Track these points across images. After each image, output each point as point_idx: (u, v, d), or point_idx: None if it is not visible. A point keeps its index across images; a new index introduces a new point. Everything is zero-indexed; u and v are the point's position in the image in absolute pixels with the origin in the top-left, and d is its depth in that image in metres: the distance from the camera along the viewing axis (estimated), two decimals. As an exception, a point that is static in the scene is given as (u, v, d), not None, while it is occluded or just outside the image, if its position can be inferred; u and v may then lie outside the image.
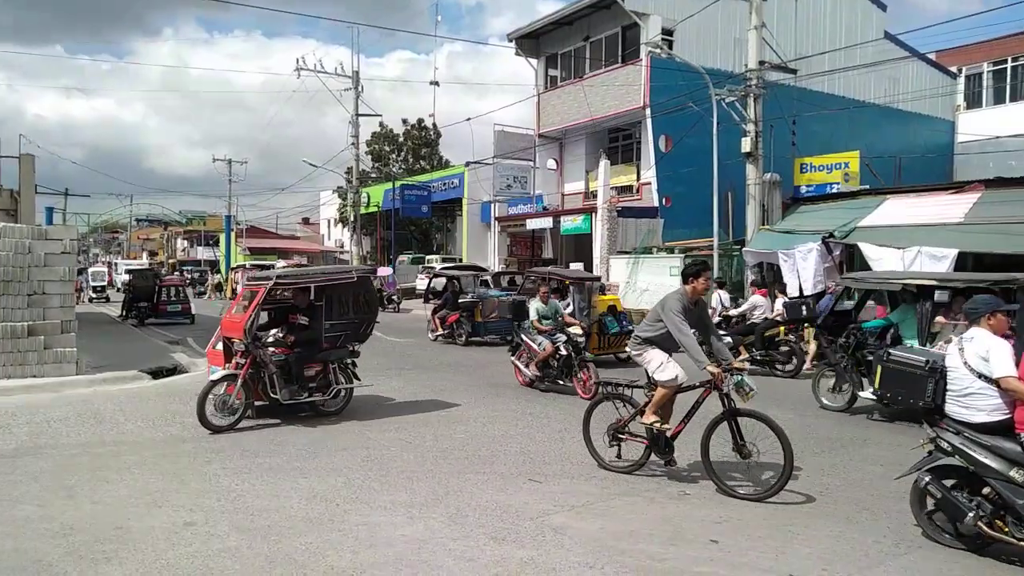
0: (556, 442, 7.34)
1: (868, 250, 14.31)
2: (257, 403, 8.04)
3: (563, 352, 10.08)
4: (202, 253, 58.35)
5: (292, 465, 6.45)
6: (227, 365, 8.26)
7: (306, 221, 62.61)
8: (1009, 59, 28.93)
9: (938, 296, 8.47)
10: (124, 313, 22.69)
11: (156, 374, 11.49)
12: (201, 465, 6.43)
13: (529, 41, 28.62)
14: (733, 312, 13.49)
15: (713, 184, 17.77)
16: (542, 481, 6.00)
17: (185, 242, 66.55)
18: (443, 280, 19.64)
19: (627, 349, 6.53)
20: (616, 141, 27.60)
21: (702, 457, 5.78)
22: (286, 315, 8.78)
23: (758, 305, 12.95)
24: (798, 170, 20.69)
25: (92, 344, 13.51)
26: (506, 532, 4.84)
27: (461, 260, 30.44)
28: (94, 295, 34.10)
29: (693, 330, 5.94)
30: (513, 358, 10.96)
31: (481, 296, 17.27)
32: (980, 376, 4.67)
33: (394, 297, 26.85)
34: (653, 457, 6.14)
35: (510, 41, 28.91)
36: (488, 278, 19.93)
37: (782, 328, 12.30)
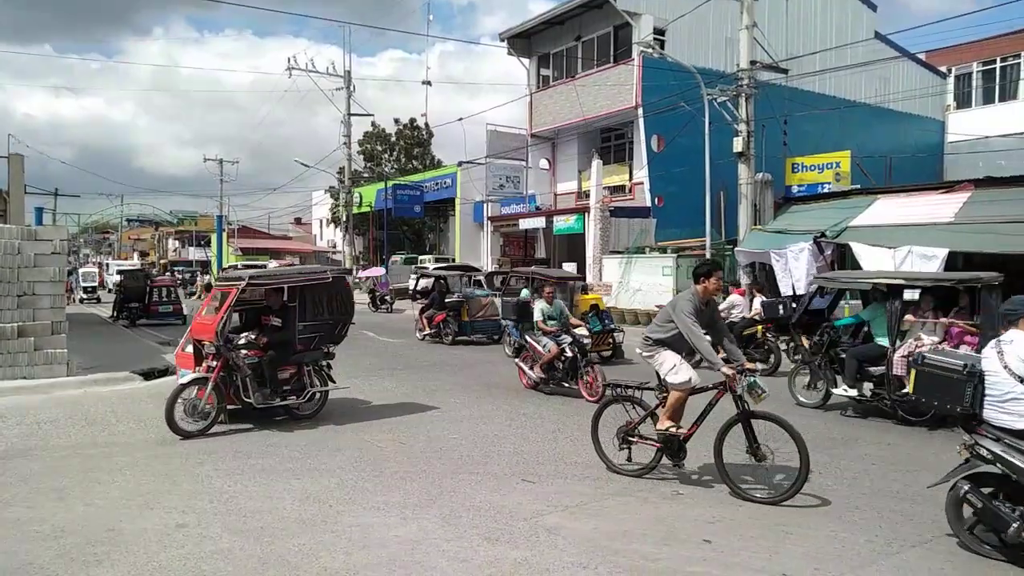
0: (550, 442, 7.35)
1: (859, 250, 14.38)
2: (229, 407, 7.86)
3: (568, 354, 9.85)
4: (193, 253, 58.10)
5: (285, 466, 6.43)
6: (197, 368, 8.04)
7: (298, 221, 62.48)
8: (998, 59, 29.14)
9: (907, 295, 8.58)
10: (115, 314, 22.57)
11: (148, 375, 11.43)
12: (193, 466, 6.40)
13: (521, 41, 28.63)
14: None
15: (705, 184, 17.83)
16: (536, 481, 6.00)
17: (176, 242, 66.27)
18: (431, 280, 19.59)
19: (637, 350, 6.41)
20: (608, 141, 27.65)
21: (715, 459, 5.66)
22: (258, 317, 8.60)
23: (736, 304, 13.12)
24: (790, 170, 20.79)
25: (83, 345, 13.43)
26: (500, 533, 4.84)
27: (454, 260, 30.42)
28: (85, 296, 33.91)
29: (705, 331, 5.86)
30: (517, 360, 10.75)
31: (467, 296, 17.39)
32: (1021, 380, 4.49)
33: (387, 297, 26.80)
34: (664, 460, 6.03)
35: (502, 41, 28.93)
36: (481, 278, 19.92)
37: (760, 327, 12.45)
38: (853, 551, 4.59)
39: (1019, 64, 28.50)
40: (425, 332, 17.03)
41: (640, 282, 19.99)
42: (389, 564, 4.34)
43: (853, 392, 8.67)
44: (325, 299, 8.96)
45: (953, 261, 13.46)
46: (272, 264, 39.31)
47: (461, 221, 32.14)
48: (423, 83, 39.50)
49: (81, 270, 40.13)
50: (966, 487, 4.57)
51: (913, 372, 5.30)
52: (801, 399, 9.41)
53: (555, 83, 27.77)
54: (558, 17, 26.54)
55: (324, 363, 8.61)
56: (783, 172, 20.59)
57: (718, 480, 5.94)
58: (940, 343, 8.31)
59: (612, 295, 20.82)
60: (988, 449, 4.54)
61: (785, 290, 14.94)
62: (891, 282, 8.70)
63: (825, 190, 19.37)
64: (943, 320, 8.55)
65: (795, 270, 15.16)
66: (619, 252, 21.69)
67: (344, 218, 37.19)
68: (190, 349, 8.44)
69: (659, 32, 23.37)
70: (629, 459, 6.18)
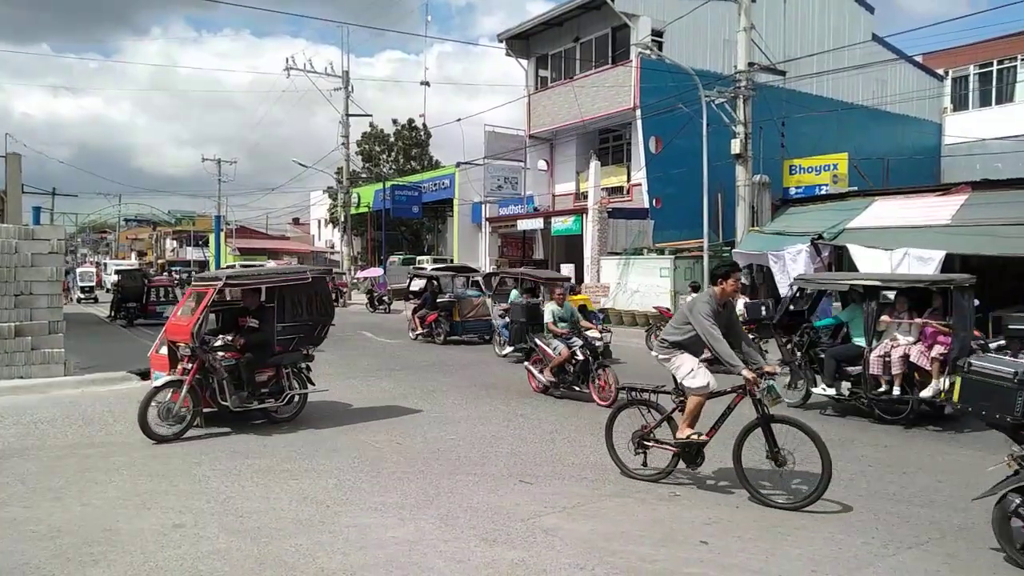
0: (547, 443, 7.35)
1: (856, 251, 14.42)
2: (205, 410, 7.68)
3: (580, 357, 9.59)
4: (191, 253, 58.02)
5: (282, 467, 6.42)
6: (172, 370, 7.82)
7: (296, 221, 62.46)
8: (995, 62, 29.21)
9: (884, 296, 8.91)
10: (113, 314, 22.54)
11: (145, 375, 11.35)
12: (190, 467, 6.40)
13: (519, 42, 28.63)
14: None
15: (703, 185, 17.85)
16: (533, 482, 6.00)
17: (174, 242, 66.18)
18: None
19: (653, 353, 6.29)
20: (606, 142, 27.66)
21: (734, 464, 5.55)
22: (235, 318, 8.41)
23: None
24: (787, 172, 20.82)
25: (80, 345, 13.41)
26: (497, 533, 4.84)
27: (452, 261, 30.40)
28: (82, 295, 33.82)
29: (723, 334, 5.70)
30: (527, 364, 10.51)
31: (459, 296, 17.59)
32: None
33: (385, 298, 26.80)
34: (680, 465, 5.91)
35: (500, 42, 28.91)
36: (479, 279, 19.94)
37: (743, 328, 12.49)
38: (850, 553, 4.59)
39: (1016, 67, 28.58)
40: (418, 332, 17.20)
41: (638, 283, 20.00)
42: (386, 565, 4.34)
43: (832, 391, 8.83)
44: (305, 300, 8.76)
45: (950, 263, 13.50)
46: (270, 264, 39.30)
47: (459, 222, 32.13)
48: (421, 84, 39.58)
49: (79, 270, 40.05)
50: (1017, 500, 4.40)
51: (958, 379, 5.06)
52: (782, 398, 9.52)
53: (553, 84, 27.78)
54: (556, 18, 26.54)
55: (303, 365, 8.45)
56: (781, 174, 20.62)
57: (715, 482, 5.96)
58: (915, 343, 8.49)
59: (610, 296, 20.83)
60: None
61: (784, 292, 14.97)
62: (867, 283, 8.89)
63: (822, 192, 19.42)
64: (917, 320, 8.72)
65: (793, 272, 15.21)
66: (617, 253, 21.70)
67: (342, 218, 37.15)
68: (165, 351, 8.19)
69: (657, 34, 23.39)
70: (644, 464, 6.06)
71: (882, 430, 8.12)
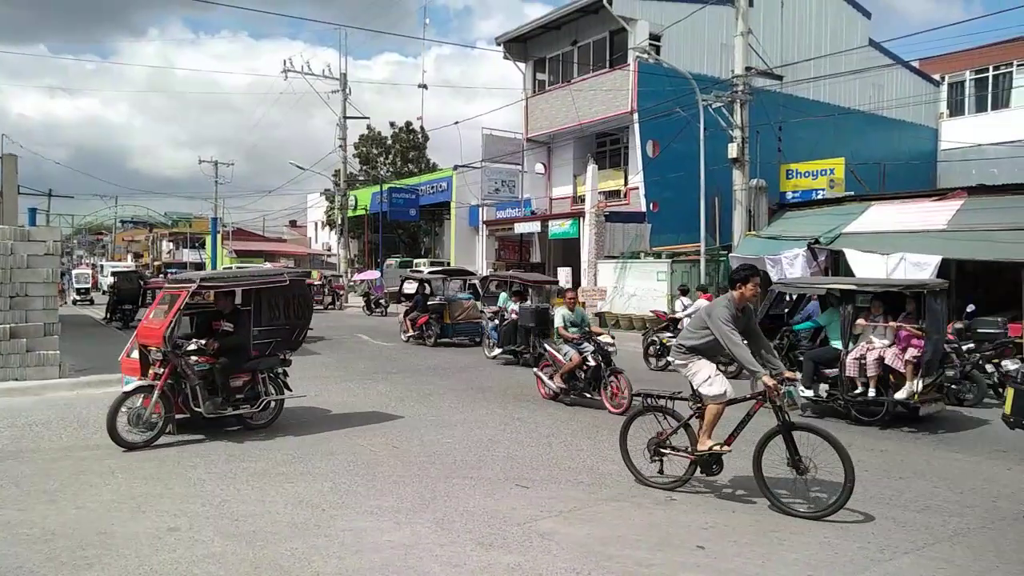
0: (544, 447, 7.34)
1: (853, 256, 14.45)
2: (178, 416, 7.44)
3: (591, 363, 9.37)
4: (188, 255, 57.94)
5: (278, 470, 6.40)
6: (144, 375, 7.55)
7: (293, 224, 62.36)
8: (991, 68, 29.32)
9: (860, 300, 9.10)
10: (108, 315, 22.47)
11: (140, 377, 11.36)
12: (186, 470, 6.38)
13: (517, 45, 28.68)
14: (680, 315, 14.01)
15: (700, 189, 17.88)
16: (529, 486, 5.99)
17: (171, 244, 66.04)
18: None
19: (669, 358, 6.16)
20: (604, 146, 27.71)
21: (755, 473, 5.46)
22: (209, 321, 8.20)
23: (700, 308, 13.26)
24: (784, 176, 20.87)
25: (75, 347, 13.37)
26: (493, 538, 4.83)
27: (449, 264, 30.41)
28: (78, 297, 33.72)
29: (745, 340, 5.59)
30: (536, 370, 10.25)
31: (449, 299, 17.78)
32: None
33: (381, 301, 26.78)
34: (698, 473, 5.80)
35: (498, 45, 28.96)
36: (476, 282, 19.96)
37: None
38: (846, 557, 4.59)
39: (1011, 73, 28.69)
40: (409, 334, 17.39)
41: (635, 287, 20.02)
42: (382, 569, 4.33)
43: (810, 393, 8.96)
44: (282, 303, 8.59)
45: (946, 268, 13.53)
46: (267, 266, 39.23)
47: (456, 225, 32.14)
48: (419, 86, 39.41)
49: (75, 271, 39.94)
50: None
51: (1011, 392, 4.93)
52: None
53: (551, 88, 27.82)
54: (554, 22, 26.59)
55: (280, 370, 8.27)
56: (777, 178, 20.68)
57: (711, 486, 5.95)
58: (889, 346, 8.70)
59: (607, 300, 20.85)
60: None
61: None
62: (844, 288, 9.10)
63: (819, 196, 19.46)
64: (892, 324, 8.93)
65: (790, 276, 15.24)
66: (614, 257, 21.72)
67: (339, 221, 37.15)
68: (136, 355, 7.97)
69: (655, 38, 23.45)
70: (661, 471, 5.95)
71: (881, 434, 8.14)
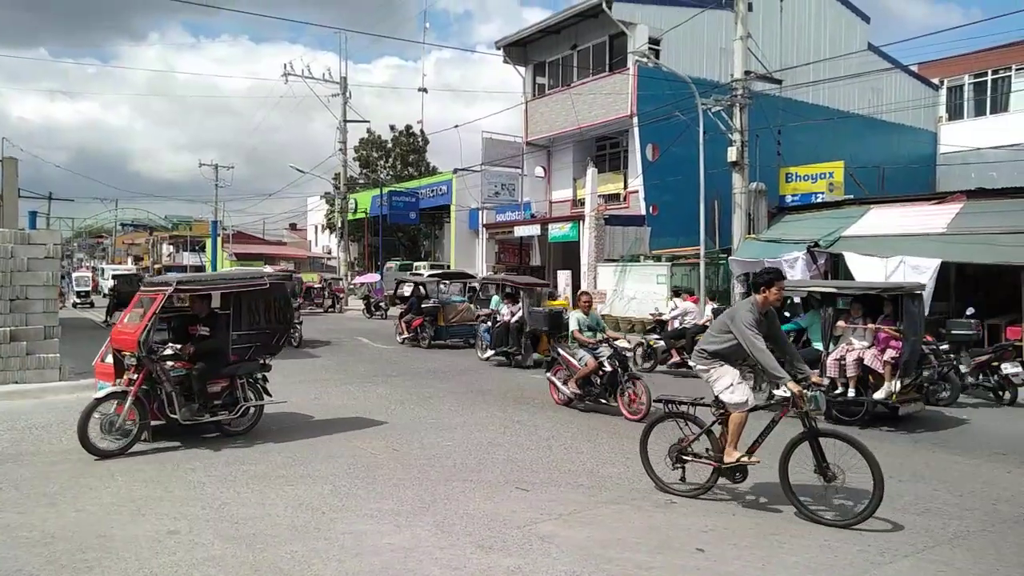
0: (544, 450, 7.34)
1: (852, 259, 14.46)
2: (154, 423, 7.26)
3: (608, 368, 9.07)
4: (188, 259, 57.97)
5: (277, 473, 6.40)
6: (118, 381, 7.34)
7: (293, 227, 62.44)
8: (989, 72, 29.36)
9: (840, 303, 9.33)
10: (108, 319, 22.46)
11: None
12: (185, 473, 6.38)
13: (517, 49, 28.72)
14: (665, 316, 14.12)
15: (699, 193, 17.89)
16: (529, 489, 5.99)
17: (171, 247, 66.07)
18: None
19: (690, 363, 6.03)
20: (603, 149, 27.73)
21: (781, 479, 5.33)
22: (186, 325, 7.97)
23: (689, 311, 13.69)
24: (783, 179, 20.89)
25: (76, 350, 13.35)
26: (493, 540, 4.83)
27: (449, 267, 30.41)
28: (78, 300, 33.72)
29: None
30: (549, 374, 9.98)
31: (443, 301, 18.01)
32: None
33: (381, 304, 26.79)
34: (721, 480, 5.67)
35: (498, 49, 29.00)
36: (476, 285, 20.00)
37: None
38: (846, 560, 4.60)
39: (1010, 77, 28.73)
40: (404, 335, 17.58)
41: (635, 290, 20.03)
42: (382, 572, 4.33)
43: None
44: (262, 307, 8.35)
45: (945, 271, 13.55)
46: (267, 269, 39.18)
47: (456, 228, 32.16)
48: (419, 90, 39.38)
49: (75, 274, 39.95)
50: None
51: None
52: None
53: (551, 91, 27.85)
54: (554, 26, 26.63)
55: (260, 375, 8.05)
56: (777, 182, 20.68)
57: (712, 489, 5.94)
58: (868, 347, 8.91)
59: (607, 303, 20.85)
60: None
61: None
62: (824, 291, 9.29)
63: (818, 200, 19.48)
64: (871, 326, 9.14)
65: (790, 279, 15.25)
66: (614, 260, 21.73)
67: (339, 224, 37.16)
68: (111, 360, 7.72)
69: (654, 42, 23.49)
70: (683, 479, 5.84)
71: (889, 439, 8.12)
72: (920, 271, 13.19)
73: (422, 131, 44.96)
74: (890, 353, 8.65)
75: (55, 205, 50.17)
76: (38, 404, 9.50)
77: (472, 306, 17.52)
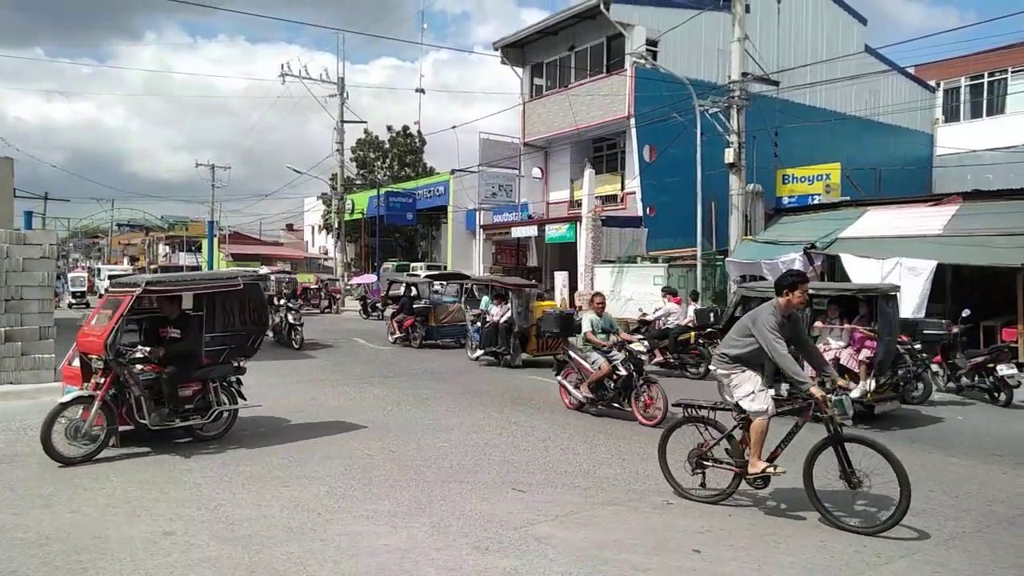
0: (540, 451, 7.34)
1: (848, 261, 14.50)
2: (122, 428, 7.03)
3: (622, 371, 8.84)
4: (184, 259, 57.84)
5: (273, 474, 6.39)
6: (85, 385, 7.08)
7: (290, 227, 62.34)
8: (986, 74, 29.46)
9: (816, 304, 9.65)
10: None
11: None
12: (181, 474, 6.36)
13: (514, 50, 28.72)
14: (649, 317, 14.27)
15: (697, 194, 17.91)
16: (526, 490, 5.99)
17: (167, 248, 65.93)
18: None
19: (711, 367, 5.93)
20: (601, 151, 27.73)
21: (805, 485, 5.24)
22: (156, 328, 7.72)
23: (672, 312, 13.81)
24: (780, 181, 20.92)
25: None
26: (489, 542, 4.82)
27: (446, 268, 30.40)
28: (74, 301, 33.62)
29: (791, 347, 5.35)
30: (559, 378, 9.73)
31: (434, 302, 18.23)
32: None
33: (378, 304, 26.78)
34: (743, 486, 5.57)
35: (496, 50, 29.00)
36: (472, 286, 20.00)
37: (693, 333, 13.15)
38: (842, 561, 4.60)
39: (1006, 79, 28.83)
40: (396, 335, 17.77)
41: (631, 291, 20.02)
42: (378, 573, 4.32)
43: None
44: (237, 308, 8.13)
45: (941, 273, 13.58)
46: (263, 270, 39.15)
47: (453, 229, 32.14)
48: (416, 91, 39.27)
49: (70, 275, 39.82)
50: None
51: None
52: (728, 399, 9.84)
53: (548, 92, 27.85)
54: (552, 27, 26.64)
55: (234, 378, 7.84)
56: (774, 183, 20.71)
57: (708, 490, 5.95)
58: (845, 347, 9.16)
59: (586, 303, 20.83)
60: None
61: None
62: None
63: (815, 201, 19.52)
64: (847, 326, 9.37)
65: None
66: (611, 261, 21.74)
67: (336, 225, 37.13)
68: (78, 363, 7.47)
69: (652, 43, 23.50)
70: (703, 484, 5.76)
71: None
72: (916, 273, 13.23)
73: (419, 132, 44.95)
74: (865, 353, 8.89)
75: (51, 205, 50.12)
76: (33, 405, 9.45)
77: (463, 306, 17.63)
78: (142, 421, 7.00)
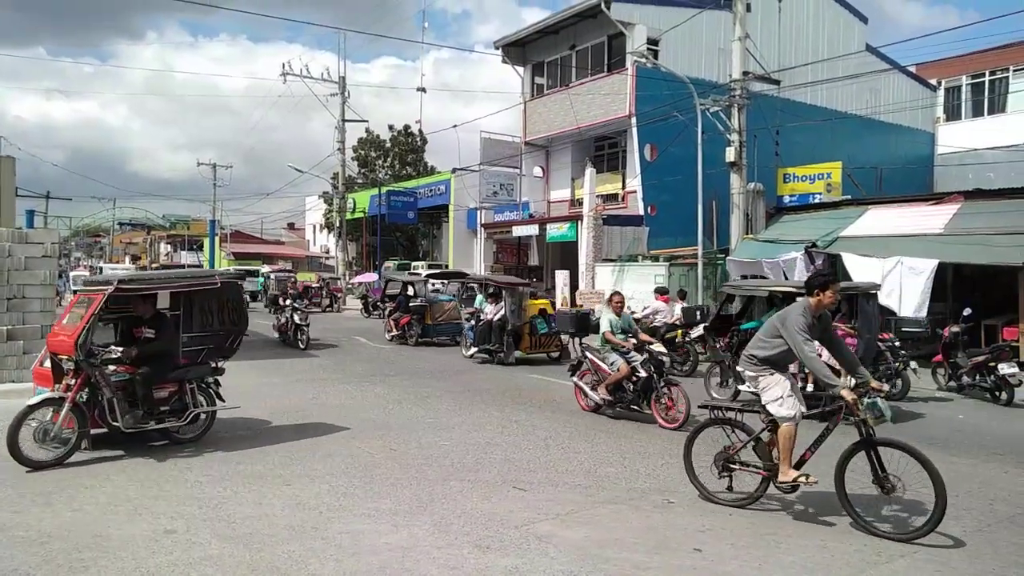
0: (541, 450, 7.34)
1: (850, 260, 14.49)
2: (94, 431, 6.85)
3: (642, 373, 8.59)
4: (186, 258, 57.90)
5: (275, 472, 6.40)
6: (57, 386, 6.84)
7: (291, 226, 62.39)
8: (987, 73, 29.43)
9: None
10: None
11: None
12: (182, 472, 6.37)
13: (516, 49, 28.72)
14: (638, 315, 14.47)
15: (698, 193, 17.90)
16: (527, 489, 5.99)
17: (169, 247, 65.99)
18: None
19: (739, 368, 5.81)
20: (602, 149, 27.73)
21: (836, 489, 5.12)
22: (131, 328, 7.51)
23: (659, 310, 13.96)
24: (781, 180, 20.91)
25: (72, 349, 13.34)
26: (490, 540, 4.83)
27: (447, 266, 30.41)
28: (74, 299, 33.61)
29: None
30: (575, 379, 9.51)
31: (430, 300, 18.42)
32: None
33: (379, 303, 26.78)
34: (771, 489, 5.44)
35: (497, 49, 29.00)
36: (475, 285, 20.04)
37: (680, 331, 13.26)
38: (843, 560, 4.60)
39: (1008, 78, 28.80)
40: (393, 333, 17.99)
41: (633, 290, 19.96)
42: (380, 571, 4.32)
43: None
44: (215, 307, 7.99)
45: (943, 272, 13.56)
46: (264, 269, 39.20)
47: (455, 228, 32.16)
48: (418, 90, 39.38)
49: (72, 273, 39.83)
50: None
51: None
52: (714, 395, 10.03)
53: (549, 91, 27.85)
54: (553, 26, 26.64)
55: (211, 379, 7.67)
56: (775, 182, 20.71)
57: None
58: None
59: (604, 303, 20.84)
60: None
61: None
62: (785, 290, 9.66)
63: (816, 200, 19.51)
64: None
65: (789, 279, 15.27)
66: (612, 260, 21.74)
67: (338, 224, 37.14)
68: (49, 364, 7.19)
69: (653, 42, 23.50)
70: (730, 488, 5.62)
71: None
72: (917, 272, 13.22)
73: (420, 131, 44.98)
74: None
75: (53, 204, 50.19)
76: (35, 403, 9.46)
77: (458, 305, 17.80)
78: (115, 423, 6.79)
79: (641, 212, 23.52)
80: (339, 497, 5.71)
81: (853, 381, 5.26)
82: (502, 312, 14.25)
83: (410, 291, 19.20)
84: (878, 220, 15.61)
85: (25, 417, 6.46)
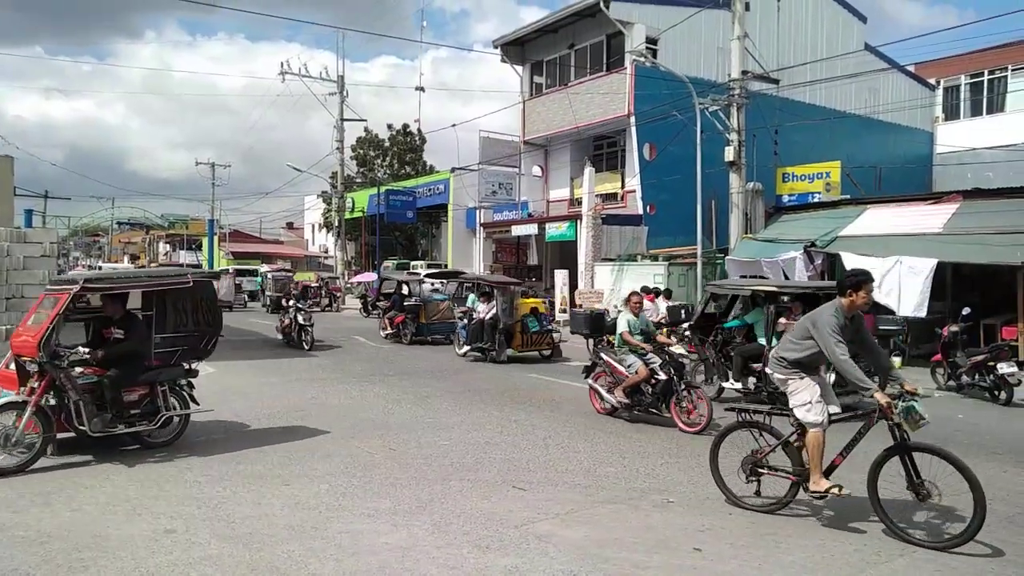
0: (541, 449, 7.34)
1: (849, 259, 14.49)
2: (61, 435, 6.60)
3: (661, 376, 8.38)
4: (184, 257, 57.81)
5: (274, 472, 6.39)
6: (22, 389, 6.58)
7: (290, 226, 62.33)
8: (986, 72, 29.45)
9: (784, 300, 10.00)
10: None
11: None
12: (181, 472, 6.36)
13: (514, 48, 28.71)
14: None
15: (697, 192, 17.91)
16: (526, 489, 5.99)
17: (167, 246, 65.93)
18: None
19: (767, 370, 5.66)
20: (601, 149, 27.73)
21: (869, 494, 5.00)
22: (100, 328, 7.30)
23: (645, 309, 13.82)
24: (780, 179, 20.92)
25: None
26: (490, 540, 4.83)
27: (446, 266, 30.40)
28: (73, 299, 33.57)
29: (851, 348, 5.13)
30: (590, 381, 9.28)
31: (425, 299, 18.65)
32: None
33: (378, 303, 26.79)
34: (800, 494, 5.32)
35: (495, 48, 28.98)
36: (473, 284, 20.07)
37: (665, 330, 13.38)
38: (842, 560, 4.60)
39: (1006, 77, 28.82)
40: (388, 332, 18.22)
41: (632, 289, 20.04)
42: (379, 571, 4.32)
43: (739, 385, 9.70)
44: (190, 307, 7.78)
45: (942, 271, 13.57)
46: (263, 268, 39.17)
47: (454, 227, 32.13)
48: (416, 89, 39.31)
49: (70, 273, 39.79)
50: None
51: None
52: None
53: (548, 91, 27.84)
54: (551, 25, 26.62)
55: (184, 381, 7.47)
56: (774, 181, 20.72)
57: (708, 488, 5.94)
58: None
59: (604, 302, 20.86)
60: None
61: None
62: (768, 290, 9.95)
63: (815, 200, 19.51)
64: None
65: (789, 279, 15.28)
66: (611, 259, 21.75)
67: (336, 223, 37.13)
68: (14, 367, 6.95)
69: (651, 41, 23.48)
70: (758, 492, 5.50)
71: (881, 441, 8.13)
72: (916, 271, 13.23)
73: (419, 130, 44.94)
74: None
75: (51, 203, 50.06)
76: (34, 403, 9.45)
77: (451, 304, 18.00)
78: (82, 427, 6.54)
79: (640, 211, 23.52)
80: (338, 497, 5.71)
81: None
82: (494, 311, 14.41)
83: (404, 290, 19.34)
84: (877, 219, 15.61)
85: None
